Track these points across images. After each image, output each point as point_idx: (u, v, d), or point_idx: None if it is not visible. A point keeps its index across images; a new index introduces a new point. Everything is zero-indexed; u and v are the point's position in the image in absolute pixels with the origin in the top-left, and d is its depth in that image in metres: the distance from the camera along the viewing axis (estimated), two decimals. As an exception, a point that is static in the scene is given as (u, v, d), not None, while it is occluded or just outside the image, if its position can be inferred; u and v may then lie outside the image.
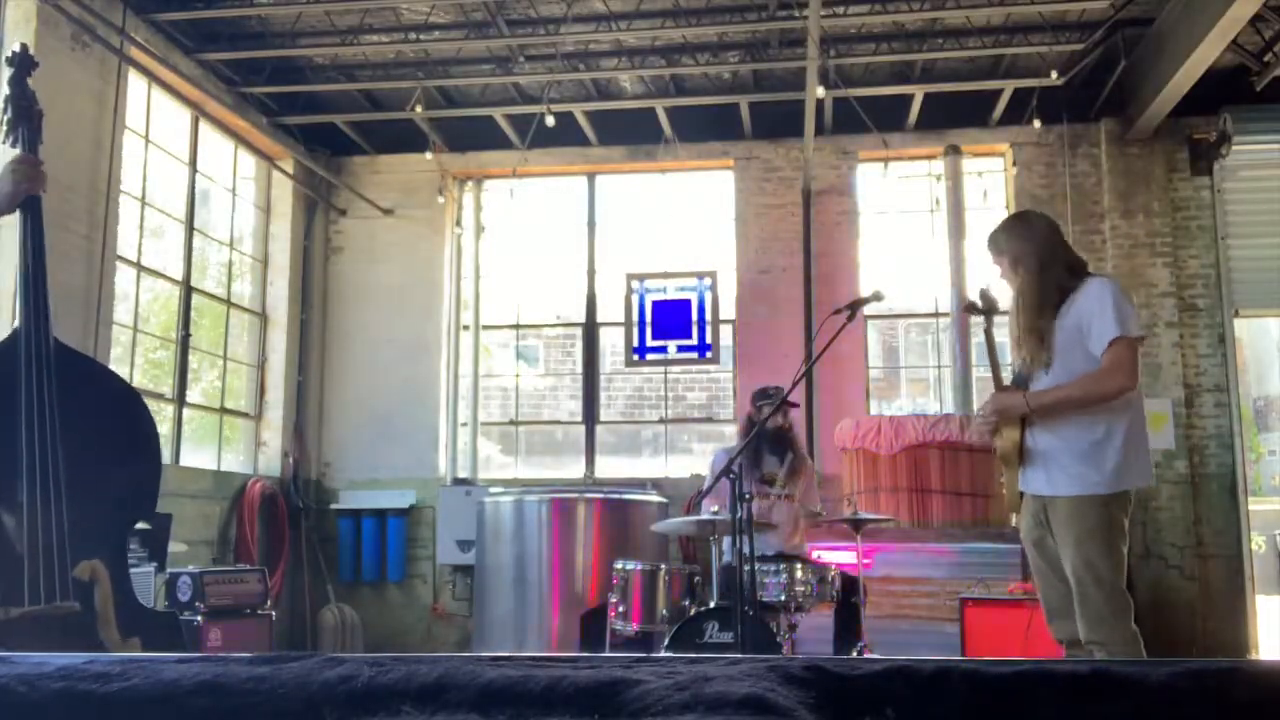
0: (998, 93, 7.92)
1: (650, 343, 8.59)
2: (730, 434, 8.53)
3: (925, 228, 8.67)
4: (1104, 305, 3.32)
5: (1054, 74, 7.45)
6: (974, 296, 3.61)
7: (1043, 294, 3.43)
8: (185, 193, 7.63)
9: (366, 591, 8.45)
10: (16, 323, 2.48)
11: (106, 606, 2.41)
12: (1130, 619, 3.25)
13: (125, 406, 2.69)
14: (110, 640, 2.38)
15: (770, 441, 5.43)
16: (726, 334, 8.60)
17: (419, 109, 7.98)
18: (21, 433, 2.37)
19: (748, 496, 4.23)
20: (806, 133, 7.55)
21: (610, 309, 8.86)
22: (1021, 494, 3.53)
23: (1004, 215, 8.45)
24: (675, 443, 9.14)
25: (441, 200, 8.79)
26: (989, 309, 3.53)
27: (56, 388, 2.42)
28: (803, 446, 5.85)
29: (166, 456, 7.22)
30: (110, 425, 2.60)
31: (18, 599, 2.28)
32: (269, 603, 6.19)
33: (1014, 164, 8.33)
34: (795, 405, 5.58)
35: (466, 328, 8.91)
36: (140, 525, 5.72)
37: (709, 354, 8.57)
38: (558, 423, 9.74)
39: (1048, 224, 3.61)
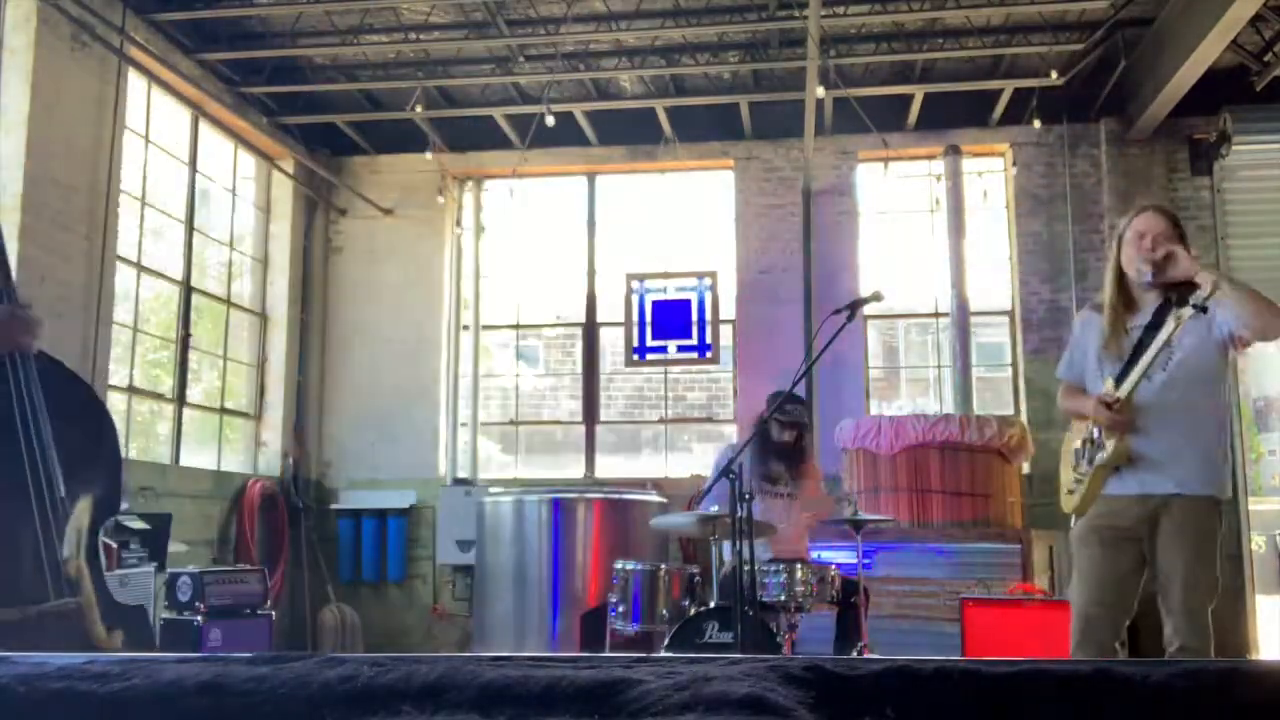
0: (998, 93, 7.92)
1: (650, 343, 8.59)
2: (730, 434, 8.53)
3: (925, 228, 8.67)
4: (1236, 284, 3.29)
5: (1054, 74, 7.46)
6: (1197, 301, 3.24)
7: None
8: (185, 193, 7.63)
9: (366, 591, 8.45)
10: None
11: (91, 603, 2.45)
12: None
13: (92, 405, 2.75)
14: (97, 635, 2.44)
15: (778, 451, 5.40)
16: (726, 334, 8.60)
17: (419, 109, 7.98)
18: (19, 434, 2.40)
19: (749, 496, 4.23)
20: (806, 133, 7.55)
21: (610, 309, 8.86)
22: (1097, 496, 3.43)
23: (1003, 215, 8.53)
24: (675, 443, 9.14)
25: (441, 200, 8.79)
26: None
27: (40, 387, 2.46)
28: (812, 455, 5.81)
29: (167, 456, 7.22)
30: (81, 424, 2.64)
31: (24, 598, 2.31)
32: (269, 603, 6.19)
33: (1014, 164, 8.33)
34: (801, 401, 5.54)
35: (466, 328, 8.91)
36: (139, 525, 5.74)
37: (709, 354, 8.57)
38: (558, 423, 9.74)
39: None
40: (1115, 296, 3.44)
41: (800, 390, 4.81)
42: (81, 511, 2.53)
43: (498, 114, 8.30)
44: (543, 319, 9.83)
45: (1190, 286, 3.25)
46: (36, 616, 2.30)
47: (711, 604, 4.60)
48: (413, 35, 7.44)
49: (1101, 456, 3.37)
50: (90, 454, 2.62)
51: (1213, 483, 3.27)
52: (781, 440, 5.27)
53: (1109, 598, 3.36)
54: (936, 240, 8.36)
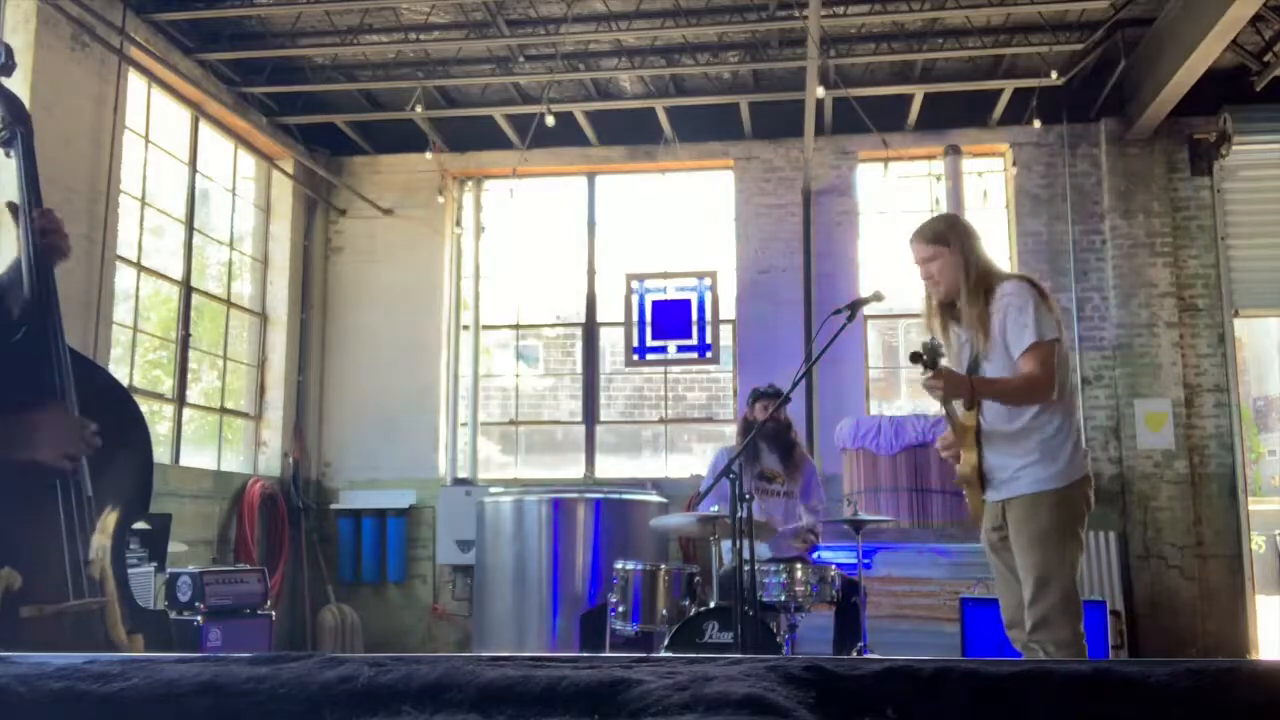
0: (998, 93, 7.92)
1: (650, 343, 8.59)
2: (730, 434, 8.53)
3: (925, 228, 8.66)
4: (1023, 308, 3.33)
5: (1054, 74, 7.45)
6: (918, 348, 3.50)
7: (979, 282, 3.44)
8: (185, 193, 7.63)
9: (366, 591, 8.45)
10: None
11: (114, 605, 2.43)
12: (1076, 623, 3.24)
13: (123, 406, 2.70)
14: (119, 638, 2.42)
15: (769, 439, 5.44)
16: (726, 334, 8.60)
17: (419, 109, 7.98)
18: None
19: (748, 496, 4.23)
20: (806, 133, 7.55)
21: (610, 309, 8.86)
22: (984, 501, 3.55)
23: (1004, 215, 8.53)
24: (675, 443, 9.14)
25: (441, 200, 8.79)
26: (933, 361, 3.40)
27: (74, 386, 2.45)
28: (801, 443, 5.88)
29: (166, 457, 7.22)
30: (112, 426, 2.61)
31: (50, 597, 2.30)
32: (269, 603, 6.19)
33: (1014, 164, 8.33)
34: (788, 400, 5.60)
35: (466, 328, 8.91)
36: (140, 525, 5.73)
37: (709, 354, 8.57)
38: (558, 423, 9.74)
39: (968, 224, 3.70)
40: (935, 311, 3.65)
41: (800, 390, 4.83)
42: (109, 512, 2.51)
43: (498, 114, 8.30)
44: (543, 319, 9.83)
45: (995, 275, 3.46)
46: (56, 615, 2.29)
47: (711, 604, 4.60)
48: (413, 35, 7.44)
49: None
50: (120, 453, 2.59)
51: (1042, 479, 3.31)
52: (772, 424, 5.32)
53: (1012, 602, 3.44)
54: (936, 240, 8.35)
